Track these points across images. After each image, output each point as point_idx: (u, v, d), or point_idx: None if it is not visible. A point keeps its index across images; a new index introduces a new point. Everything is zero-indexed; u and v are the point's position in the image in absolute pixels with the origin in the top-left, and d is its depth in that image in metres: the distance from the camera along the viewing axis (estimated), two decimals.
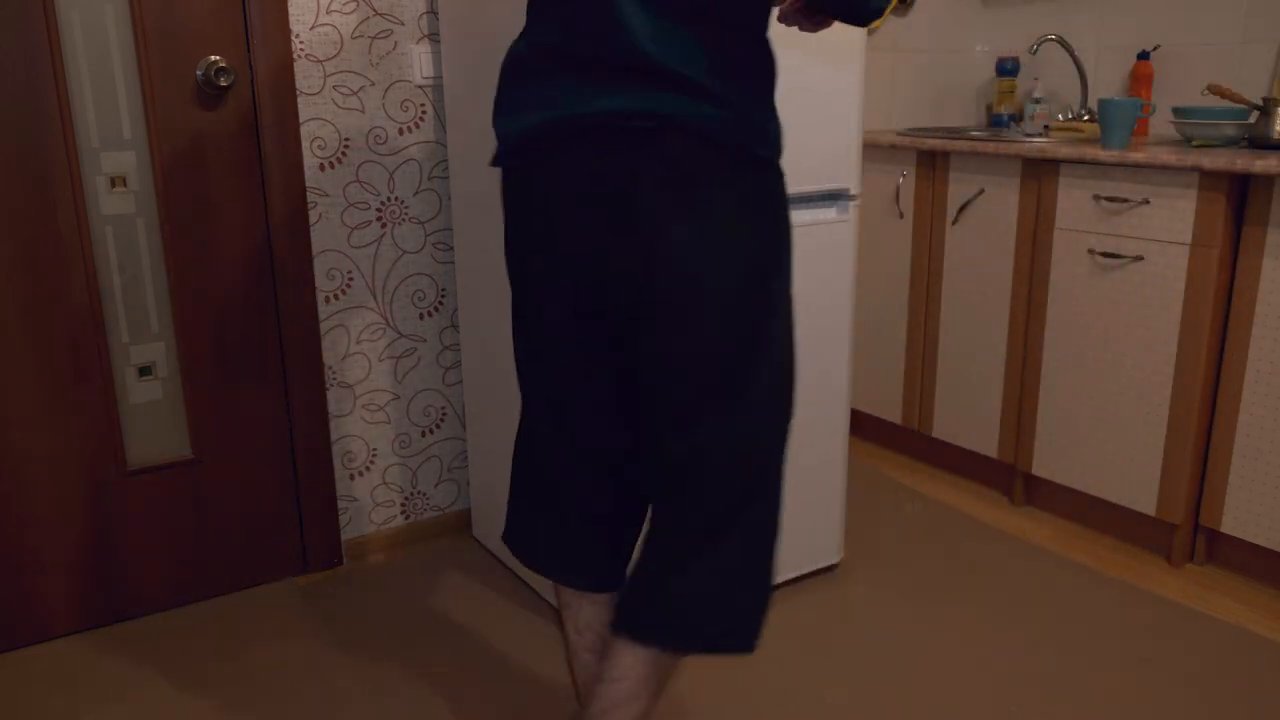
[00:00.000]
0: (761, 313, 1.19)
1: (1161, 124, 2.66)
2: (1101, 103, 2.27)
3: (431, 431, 2.36)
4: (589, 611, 1.40)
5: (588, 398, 1.29)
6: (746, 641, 1.28)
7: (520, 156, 1.21)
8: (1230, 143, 2.26)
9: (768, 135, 1.19)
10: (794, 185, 1.90)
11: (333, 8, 2.05)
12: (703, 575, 1.24)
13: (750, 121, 1.16)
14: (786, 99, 1.84)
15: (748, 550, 1.26)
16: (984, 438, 2.60)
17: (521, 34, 1.22)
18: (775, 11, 1.42)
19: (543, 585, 2.11)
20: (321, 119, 2.08)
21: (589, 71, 1.15)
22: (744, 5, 1.15)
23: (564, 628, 1.47)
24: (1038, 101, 2.88)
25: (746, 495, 1.24)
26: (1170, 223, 2.11)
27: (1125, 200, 2.18)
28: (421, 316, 2.30)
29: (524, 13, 1.61)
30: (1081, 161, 2.24)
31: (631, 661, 1.26)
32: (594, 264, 1.20)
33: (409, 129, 2.19)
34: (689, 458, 1.22)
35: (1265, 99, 2.18)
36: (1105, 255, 2.23)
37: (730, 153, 1.15)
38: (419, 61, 2.17)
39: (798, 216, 1.92)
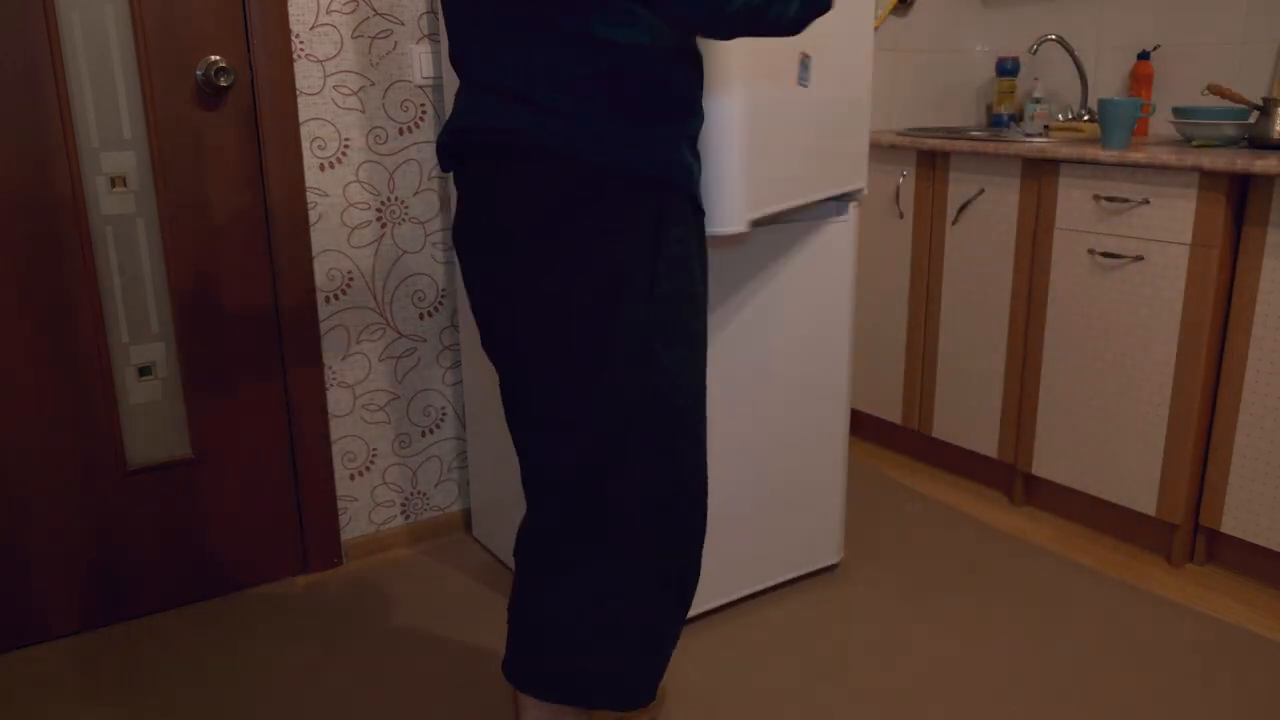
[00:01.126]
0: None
1: (1161, 124, 2.66)
2: (1101, 103, 2.27)
3: (431, 431, 2.36)
4: None
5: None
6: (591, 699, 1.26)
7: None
8: (1230, 143, 2.26)
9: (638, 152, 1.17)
10: (818, 191, 1.87)
11: (333, 8, 2.05)
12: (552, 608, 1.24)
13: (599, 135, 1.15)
14: (808, 109, 1.84)
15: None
16: (984, 438, 2.60)
17: None
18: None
19: None
20: (321, 119, 2.08)
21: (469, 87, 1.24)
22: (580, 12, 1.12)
23: None
24: (1038, 101, 2.88)
25: (581, 528, 1.19)
26: (1170, 223, 2.11)
27: (1125, 200, 2.18)
28: (421, 316, 2.30)
29: None
30: (1081, 161, 2.24)
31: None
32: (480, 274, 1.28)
33: (409, 129, 2.19)
34: (528, 472, 1.23)
35: (1265, 99, 2.18)
36: (1105, 255, 2.23)
37: (577, 169, 1.15)
38: (419, 61, 2.17)
39: (799, 216, 1.92)
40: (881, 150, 2.74)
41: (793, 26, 1.12)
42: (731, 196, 1.46)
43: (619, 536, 1.21)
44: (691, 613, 1.98)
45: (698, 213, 1.26)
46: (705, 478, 1.28)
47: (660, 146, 1.18)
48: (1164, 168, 2.09)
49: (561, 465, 1.20)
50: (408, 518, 2.38)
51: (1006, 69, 2.97)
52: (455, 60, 1.27)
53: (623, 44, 1.14)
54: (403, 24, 2.14)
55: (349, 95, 2.11)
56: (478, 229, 1.23)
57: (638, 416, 1.19)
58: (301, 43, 2.03)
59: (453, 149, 1.26)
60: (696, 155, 1.26)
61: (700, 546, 1.29)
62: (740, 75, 1.44)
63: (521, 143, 1.15)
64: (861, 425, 3.06)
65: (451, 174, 1.32)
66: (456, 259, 1.36)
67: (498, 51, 1.16)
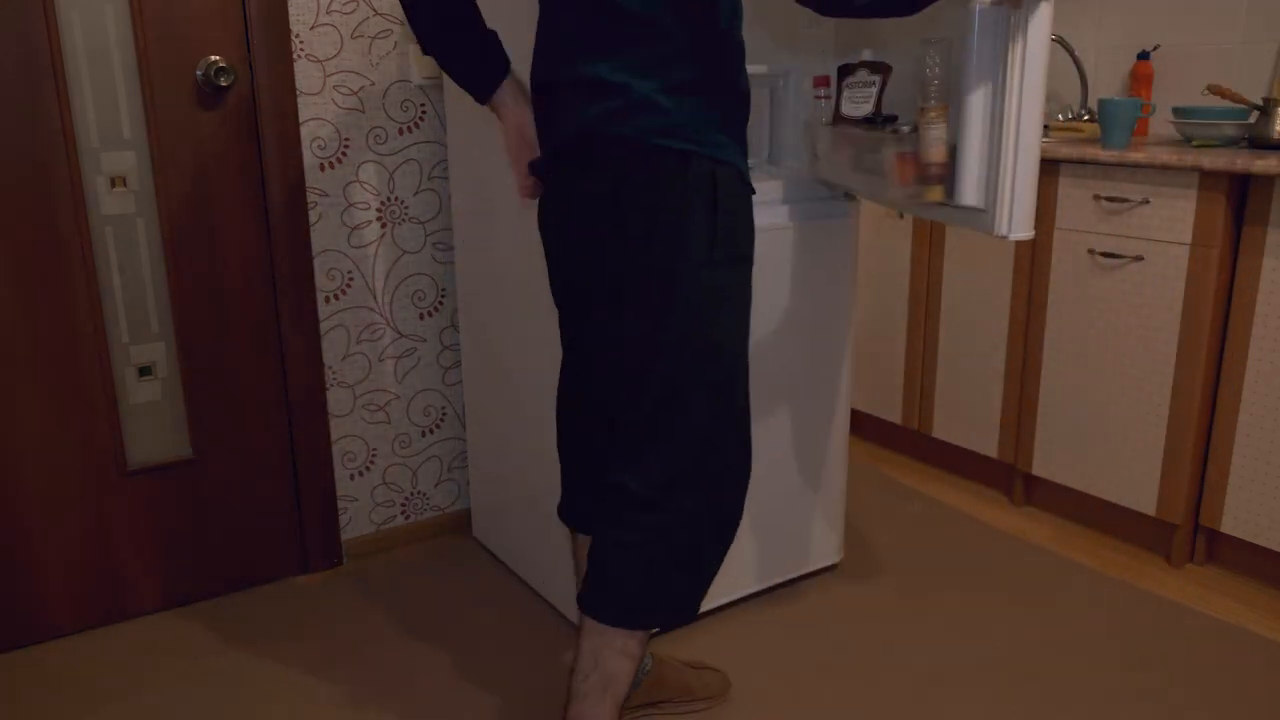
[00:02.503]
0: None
1: (1161, 124, 2.66)
2: (1101, 103, 2.27)
3: (431, 431, 2.36)
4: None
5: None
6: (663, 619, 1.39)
7: None
8: (1230, 143, 2.26)
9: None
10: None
11: (333, 8, 2.05)
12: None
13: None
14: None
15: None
16: (984, 438, 2.60)
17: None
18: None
19: (542, 585, 2.11)
20: (321, 119, 2.08)
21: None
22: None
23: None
24: None
25: (651, 473, 1.34)
26: (1170, 223, 2.11)
27: (1125, 200, 2.18)
28: (421, 316, 2.30)
29: (523, 11, 1.61)
30: (1081, 161, 2.24)
31: (584, 652, 1.38)
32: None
33: (409, 129, 2.19)
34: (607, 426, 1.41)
35: (1265, 99, 2.18)
36: (1105, 255, 2.23)
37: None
38: (419, 61, 2.17)
39: (800, 216, 1.92)
40: None
41: (911, 6, 1.24)
42: (1028, 205, 1.44)
43: (686, 479, 1.34)
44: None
45: (746, 187, 1.36)
46: (749, 424, 1.41)
47: (726, 129, 1.32)
48: (1164, 168, 2.09)
49: (625, 427, 1.35)
50: (408, 518, 2.38)
51: None
52: (551, 62, 1.36)
53: (705, 30, 1.28)
54: (403, 24, 2.14)
55: (349, 95, 2.11)
56: (568, 211, 1.36)
57: (699, 367, 1.34)
58: (301, 43, 2.03)
59: (572, 148, 1.33)
60: (745, 134, 1.39)
61: (746, 486, 1.42)
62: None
63: (621, 133, 1.27)
64: (861, 425, 3.06)
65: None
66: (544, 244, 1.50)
67: (597, 47, 1.28)
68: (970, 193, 1.42)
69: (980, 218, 1.44)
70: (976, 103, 1.39)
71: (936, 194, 1.47)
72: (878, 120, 1.62)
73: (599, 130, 1.28)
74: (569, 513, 1.60)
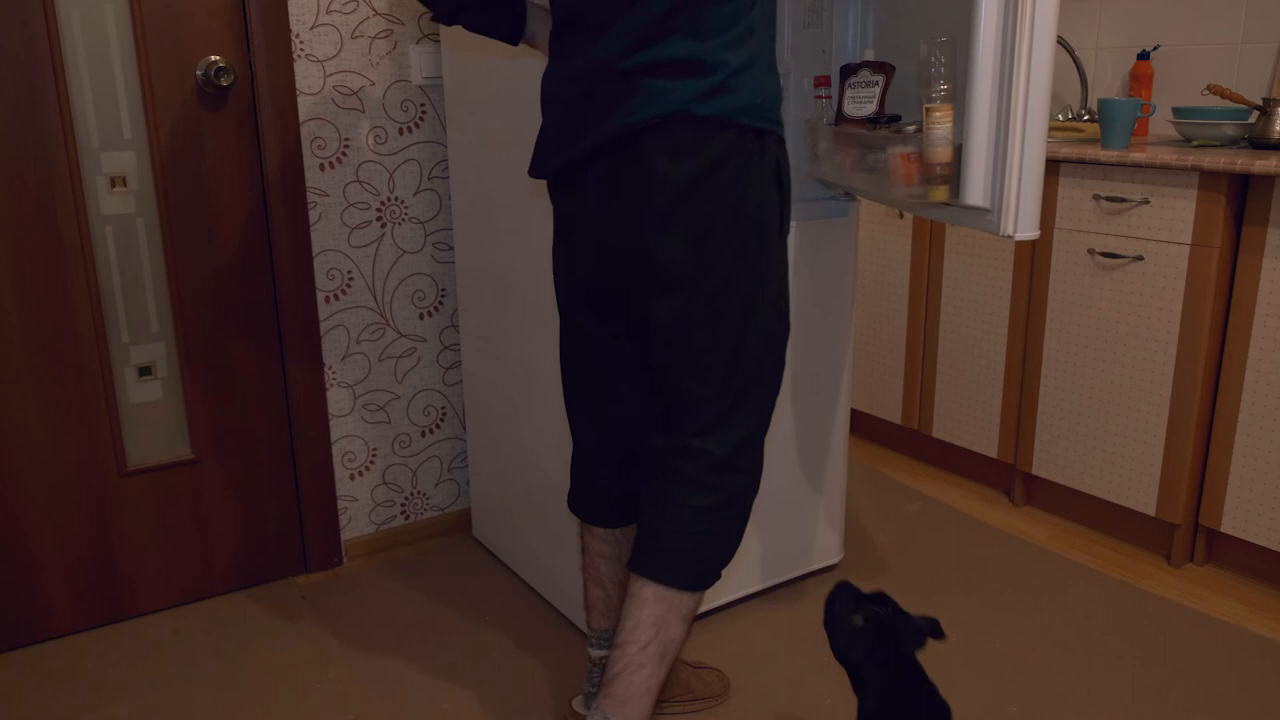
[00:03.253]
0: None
1: (1161, 124, 2.66)
2: (1101, 103, 2.27)
3: (431, 431, 2.36)
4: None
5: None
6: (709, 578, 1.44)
7: None
8: (1230, 143, 2.26)
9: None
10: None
11: (333, 8, 2.05)
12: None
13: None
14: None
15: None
16: (984, 438, 2.60)
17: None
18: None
19: (542, 585, 2.11)
20: (321, 119, 2.08)
21: None
22: None
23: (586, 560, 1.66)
24: None
25: (716, 448, 1.40)
26: (1170, 223, 2.11)
27: (1125, 200, 2.18)
28: (421, 316, 2.30)
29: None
30: (1081, 161, 2.24)
31: (635, 618, 1.40)
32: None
33: (409, 129, 2.19)
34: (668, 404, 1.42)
35: (1265, 99, 2.18)
36: (1105, 255, 2.23)
37: None
38: (419, 61, 2.17)
39: (800, 216, 1.92)
40: None
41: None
42: (1034, 205, 1.44)
43: (755, 442, 1.42)
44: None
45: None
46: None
47: (776, 103, 1.35)
48: (1164, 168, 2.09)
49: (708, 397, 1.37)
50: (408, 518, 2.38)
51: None
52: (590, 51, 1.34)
53: (764, 3, 1.32)
54: (403, 24, 2.14)
55: (349, 95, 2.11)
56: (629, 191, 1.34)
57: (769, 345, 1.41)
58: (301, 43, 2.03)
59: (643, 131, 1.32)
60: None
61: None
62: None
63: (704, 113, 1.27)
64: (861, 425, 3.06)
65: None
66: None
67: (665, 24, 1.27)
68: (976, 193, 1.42)
69: (986, 218, 1.44)
70: (982, 103, 1.39)
71: (942, 194, 1.46)
72: (881, 120, 1.62)
73: (680, 111, 1.27)
74: (581, 505, 1.60)
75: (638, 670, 1.38)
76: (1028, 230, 1.41)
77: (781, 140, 1.36)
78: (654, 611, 1.39)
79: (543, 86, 1.42)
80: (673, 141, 1.28)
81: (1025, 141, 1.37)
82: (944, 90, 1.42)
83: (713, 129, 1.28)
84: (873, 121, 1.64)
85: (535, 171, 1.43)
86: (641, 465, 1.54)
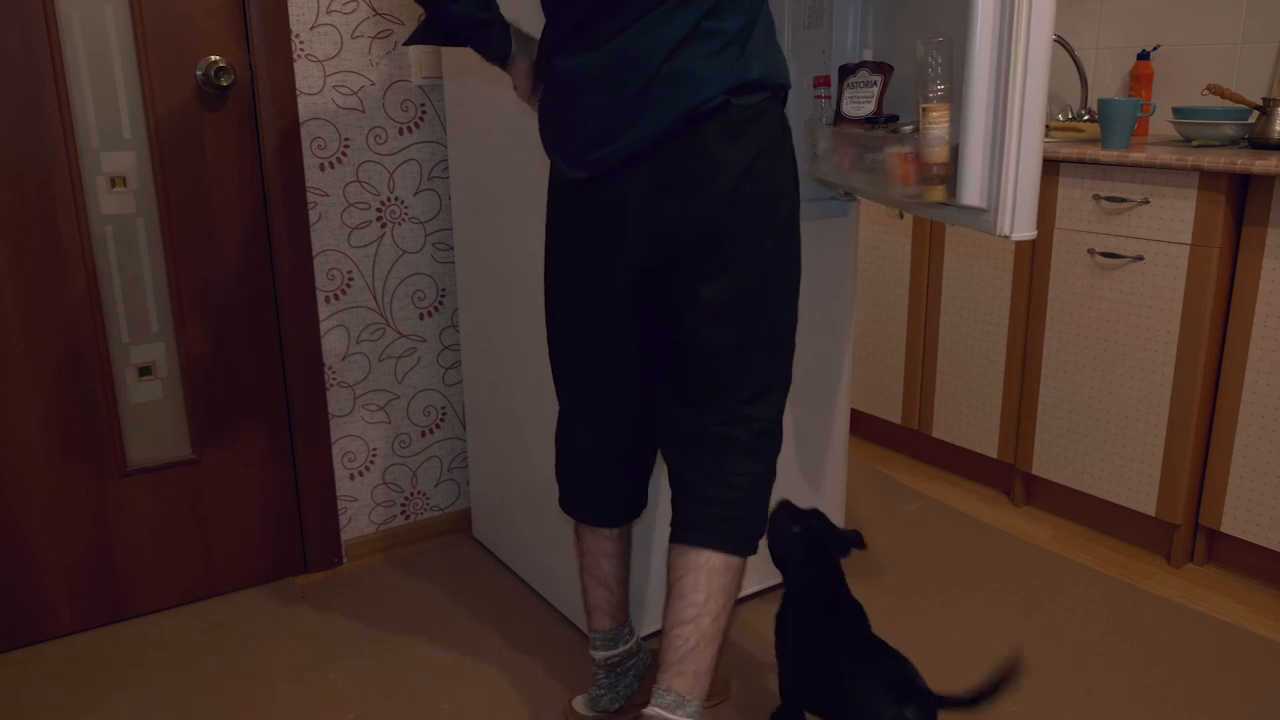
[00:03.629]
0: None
1: (1161, 124, 2.66)
2: (1101, 103, 2.27)
3: (431, 431, 2.36)
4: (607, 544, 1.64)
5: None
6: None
7: None
8: (1230, 143, 2.26)
9: None
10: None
11: (333, 8, 2.05)
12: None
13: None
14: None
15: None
16: (984, 438, 2.60)
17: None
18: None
19: (542, 585, 2.11)
20: (321, 119, 2.08)
21: None
22: None
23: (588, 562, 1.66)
24: None
25: (752, 423, 1.45)
26: (1170, 223, 2.11)
27: (1125, 200, 2.18)
28: (421, 316, 2.30)
29: (523, 10, 1.61)
30: (1081, 161, 2.24)
31: (702, 592, 1.42)
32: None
33: (409, 129, 2.19)
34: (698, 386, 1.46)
35: (1265, 99, 2.18)
36: (1105, 255, 2.23)
37: None
38: (419, 61, 2.17)
39: (800, 216, 1.91)
40: None
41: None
42: (1031, 205, 1.43)
43: (780, 423, 1.48)
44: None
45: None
46: None
47: (781, 60, 1.38)
48: (1164, 168, 2.09)
49: (755, 371, 1.42)
50: (408, 518, 2.38)
51: None
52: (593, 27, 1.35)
53: None
54: (403, 24, 2.14)
55: (349, 95, 2.11)
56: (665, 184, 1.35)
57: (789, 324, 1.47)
58: (301, 43, 2.03)
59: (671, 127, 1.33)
60: None
61: None
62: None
63: (733, 79, 1.31)
64: (861, 425, 3.06)
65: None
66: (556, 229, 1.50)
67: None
68: (973, 193, 1.42)
69: (982, 218, 1.44)
70: (978, 102, 1.39)
71: (938, 194, 1.46)
72: (879, 120, 1.62)
73: (734, 85, 1.30)
74: (588, 508, 1.59)
75: (712, 642, 1.41)
76: (1024, 230, 1.41)
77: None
78: (724, 580, 1.43)
79: (555, 82, 1.39)
80: (729, 123, 1.31)
81: (1021, 142, 1.37)
82: (941, 90, 1.42)
83: (765, 97, 1.32)
84: (870, 121, 1.64)
85: (576, 170, 1.38)
86: (643, 457, 1.58)
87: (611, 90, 1.32)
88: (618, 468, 1.56)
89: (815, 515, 1.60)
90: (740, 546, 1.44)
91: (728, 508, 1.43)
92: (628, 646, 1.67)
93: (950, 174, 1.45)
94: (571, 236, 1.44)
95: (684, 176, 1.33)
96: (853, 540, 1.60)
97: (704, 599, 1.41)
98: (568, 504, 1.62)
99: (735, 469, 1.44)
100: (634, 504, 1.60)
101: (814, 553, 1.57)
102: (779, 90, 1.35)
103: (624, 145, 1.32)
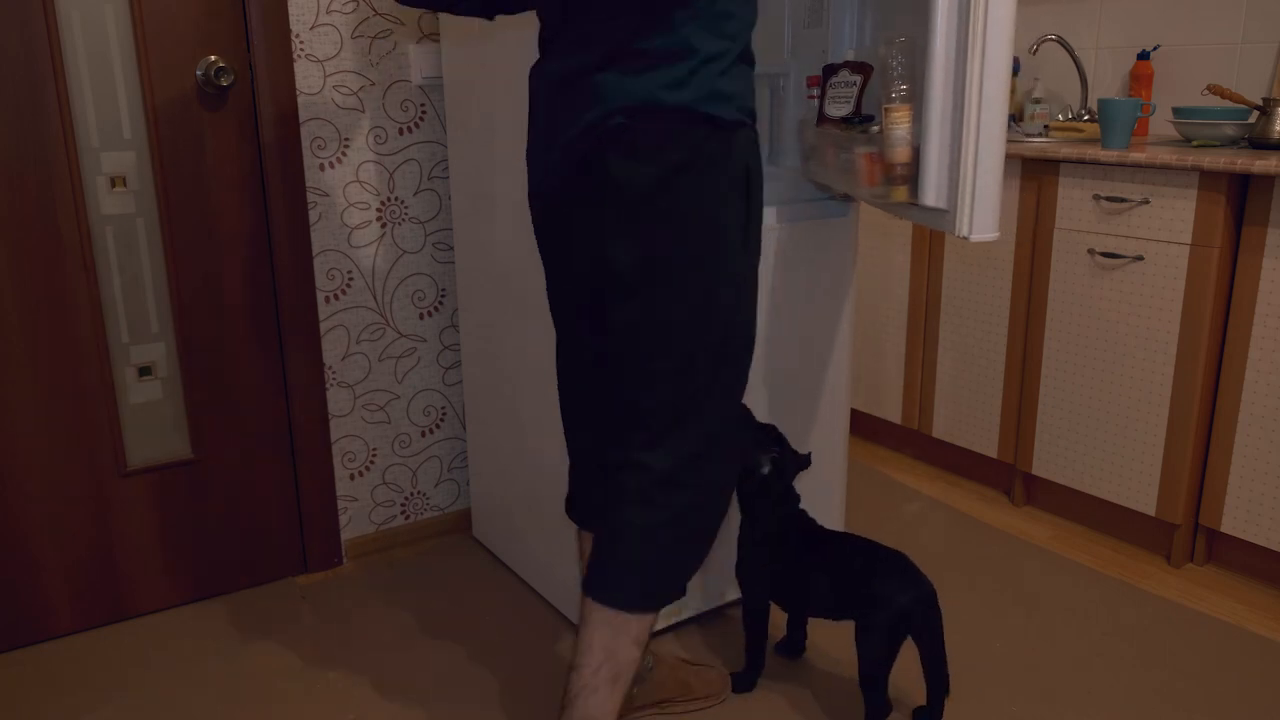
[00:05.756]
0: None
1: (1161, 124, 2.66)
2: (1101, 103, 2.27)
3: (431, 431, 2.36)
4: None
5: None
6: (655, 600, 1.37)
7: None
8: (1230, 143, 2.26)
9: None
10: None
11: (333, 8, 2.05)
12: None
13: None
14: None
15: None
16: (984, 438, 2.60)
17: None
18: None
19: (542, 585, 2.11)
20: (321, 119, 2.08)
21: None
22: None
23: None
24: (1038, 101, 2.88)
25: (665, 462, 1.34)
26: (1170, 223, 2.11)
27: (1125, 200, 2.18)
28: (421, 316, 2.30)
29: (522, 11, 1.61)
30: (1081, 161, 2.24)
31: (585, 642, 1.36)
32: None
33: (409, 129, 2.19)
34: (617, 415, 1.39)
35: (1265, 99, 2.18)
36: (1105, 255, 2.23)
37: None
38: (419, 61, 2.17)
39: (799, 216, 1.92)
40: None
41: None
42: (991, 206, 1.42)
43: (708, 456, 1.35)
44: (695, 613, 1.98)
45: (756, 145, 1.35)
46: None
47: (749, 93, 1.31)
48: (1164, 168, 2.09)
49: (653, 408, 1.32)
50: (408, 518, 2.38)
51: None
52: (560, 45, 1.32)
53: None
54: (403, 24, 2.14)
55: (349, 95, 2.11)
56: (588, 198, 1.31)
57: (722, 359, 1.35)
58: (301, 43, 2.03)
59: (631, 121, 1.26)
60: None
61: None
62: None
63: (677, 101, 1.24)
64: (861, 425, 3.06)
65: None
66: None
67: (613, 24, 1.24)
68: (932, 194, 1.41)
69: (944, 218, 1.42)
70: (936, 103, 1.37)
71: (902, 194, 1.46)
72: (854, 120, 1.62)
73: (646, 101, 1.22)
74: (578, 509, 1.59)
75: (592, 694, 1.34)
76: (985, 231, 1.39)
77: (754, 137, 1.31)
78: (601, 635, 1.34)
79: (530, 88, 1.40)
80: (633, 142, 1.23)
81: (980, 144, 1.35)
82: (903, 91, 1.42)
83: (678, 123, 1.23)
84: (847, 121, 1.64)
85: (532, 190, 1.40)
86: None
87: (542, 105, 1.33)
88: (590, 466, 1.53)
89: (772, 428, 1.71)
90: (618, 601, 1.34)
91: (606, 558, 1.35)
92: None
93: (913, 174, 1.44)
94: (541, 243, 1.45)
95: (586, 198, 1.30)
96: (805, 462, 1.72)
97: (583, 649, 1.35)
98: (568, 506, 1.61)
99: (621, 516, 1.35)
100: None
101: (788, 491, 1.70)
102: (715, 124, 1.25)
103: (548, 163, 1.33)
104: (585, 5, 1.25)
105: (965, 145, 1.36)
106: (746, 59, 1.30)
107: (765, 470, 1.65)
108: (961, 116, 1.35)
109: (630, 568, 1.35)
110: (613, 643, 1.34)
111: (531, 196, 1.42)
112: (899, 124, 1.42)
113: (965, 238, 1.40)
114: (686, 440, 1.33)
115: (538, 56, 1.41)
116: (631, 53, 1.22)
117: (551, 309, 1.51)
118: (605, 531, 1.37)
